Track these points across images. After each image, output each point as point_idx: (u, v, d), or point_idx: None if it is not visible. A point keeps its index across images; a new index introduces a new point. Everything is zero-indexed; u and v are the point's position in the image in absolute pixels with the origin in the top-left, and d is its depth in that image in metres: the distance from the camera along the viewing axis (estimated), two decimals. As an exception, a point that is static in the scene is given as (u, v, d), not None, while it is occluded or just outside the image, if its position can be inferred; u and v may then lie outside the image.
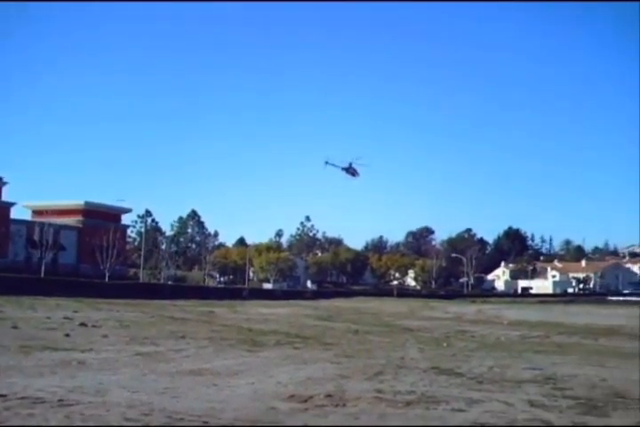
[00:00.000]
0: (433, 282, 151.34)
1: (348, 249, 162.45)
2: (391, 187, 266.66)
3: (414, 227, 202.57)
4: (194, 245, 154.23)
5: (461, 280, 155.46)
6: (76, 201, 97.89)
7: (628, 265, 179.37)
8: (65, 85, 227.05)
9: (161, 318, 38.38)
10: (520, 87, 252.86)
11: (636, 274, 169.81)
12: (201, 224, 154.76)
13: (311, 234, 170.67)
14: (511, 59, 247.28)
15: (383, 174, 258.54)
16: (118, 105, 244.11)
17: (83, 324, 29.18)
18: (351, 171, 63.71)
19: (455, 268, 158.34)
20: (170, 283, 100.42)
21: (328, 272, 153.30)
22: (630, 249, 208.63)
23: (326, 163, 63.13)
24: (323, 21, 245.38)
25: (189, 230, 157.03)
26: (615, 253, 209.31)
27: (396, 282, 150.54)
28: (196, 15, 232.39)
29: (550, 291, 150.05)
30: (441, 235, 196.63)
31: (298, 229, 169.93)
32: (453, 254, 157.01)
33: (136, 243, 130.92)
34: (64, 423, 9.91)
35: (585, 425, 10.92)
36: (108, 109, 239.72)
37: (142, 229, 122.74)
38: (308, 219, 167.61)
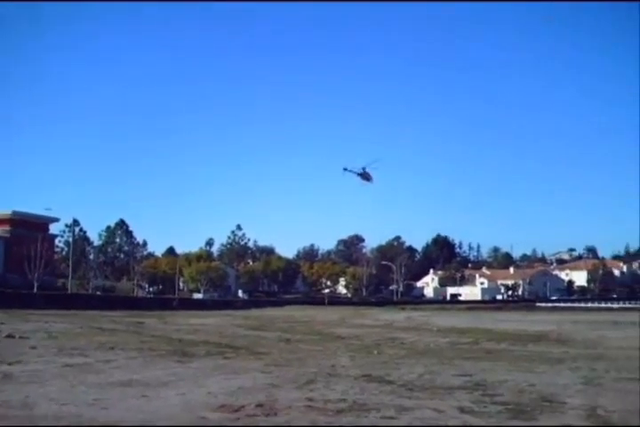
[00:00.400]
0: (364, 290, 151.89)
1: (280, 258, 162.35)
2: (322, 195, 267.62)
3: (345, 235, 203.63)
4: (122, 255, 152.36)
5: (391, 287, 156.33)
6: (4, 210, 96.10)
7: (556, 272, 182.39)
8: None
9: (90, 328, 37.88)
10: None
11: (563, 281, 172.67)
12: (129, 234, 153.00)
13: (242, 243, 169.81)
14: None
15: (313, 183, 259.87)
16: (43, 113, 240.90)
17: (10, 335, 28.67)
18: (365, 176, 64.00)
19: (385, 275, 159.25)
20: (98, 293, 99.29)
21: (259, 281, 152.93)
22: (557, 256, 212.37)
23: (345, 169, 63.45)
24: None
25: (117, 240, 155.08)
26: (543, 260, 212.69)
27: (327, 290, 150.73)
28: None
29: (479, 298, 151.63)
30: (371, 243, 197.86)
31: (228, 237, 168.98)
32: (383, 262, 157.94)
33: (64, 253, 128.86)
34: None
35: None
36: (32, 117, 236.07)
37: (70, 239, 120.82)
38: (239, 227, 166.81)
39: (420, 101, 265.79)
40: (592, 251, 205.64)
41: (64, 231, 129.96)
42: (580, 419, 12.07)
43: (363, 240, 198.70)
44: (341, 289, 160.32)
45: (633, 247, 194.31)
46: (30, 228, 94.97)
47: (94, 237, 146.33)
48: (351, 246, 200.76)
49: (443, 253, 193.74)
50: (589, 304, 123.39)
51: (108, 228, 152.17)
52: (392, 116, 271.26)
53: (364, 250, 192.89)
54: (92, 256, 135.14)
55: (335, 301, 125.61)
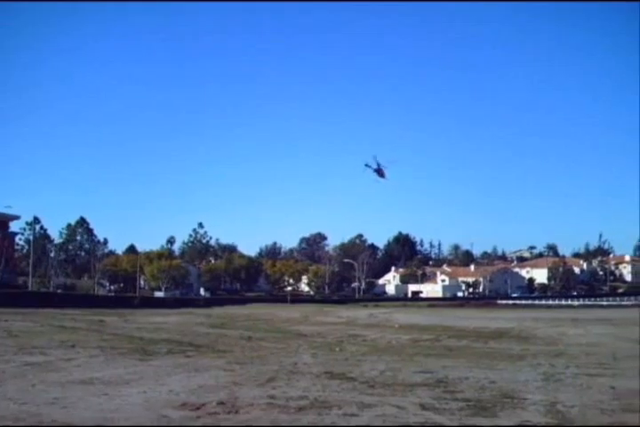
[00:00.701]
0: (326, 287, 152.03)
1: (242, 256, 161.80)
2: (284, 193, 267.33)
3: (307, 233, 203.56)
4: (83, 253, 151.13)
5: (353, 285, 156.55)
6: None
7: (517, 269, 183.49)
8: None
9: (51, 327, 37.63)
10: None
11: (524, 278, 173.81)
12: (90, 231, 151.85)
13: (204, 241, 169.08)
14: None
15: (276, 181, 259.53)
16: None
17: (-32, 335, 28.40)
18: (381, 172, 63.87)
19: (347, 273, 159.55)
20: (59, 291, 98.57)
21: (222, 279, 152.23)
22: (518, 254, 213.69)
23: (366, 165, 63.31)
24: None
25: (78, 238, 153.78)
26: (503, 257, 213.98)
27: (289, 288, 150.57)
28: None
29: (440, 295, 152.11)
30: (333, 241, 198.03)
31: (190, 236, 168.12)
32: (345, 260, 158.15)
33: (24, 251, 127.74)
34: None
35: (474, 426, 11.16)
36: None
37: (31, 237, 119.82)
38: (200, 226, 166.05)
39: (390, 94, 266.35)
40: (552, 249, 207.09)
41: (24, 229, 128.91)
42: (539, 415, 12.20)
43: (325, 238, 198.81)
44: (304, 287, 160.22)
45: (593, 245, 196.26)
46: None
47: (55, 234, 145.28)
48: (314, 244, 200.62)
49: (404, 251, 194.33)
50: (550, 302, 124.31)
51: (69, 225, 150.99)
52: (350, 112, 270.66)
53: (326, 248, 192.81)
54: (52, 254, 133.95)
55: (298, 298, 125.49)
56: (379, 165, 63.04)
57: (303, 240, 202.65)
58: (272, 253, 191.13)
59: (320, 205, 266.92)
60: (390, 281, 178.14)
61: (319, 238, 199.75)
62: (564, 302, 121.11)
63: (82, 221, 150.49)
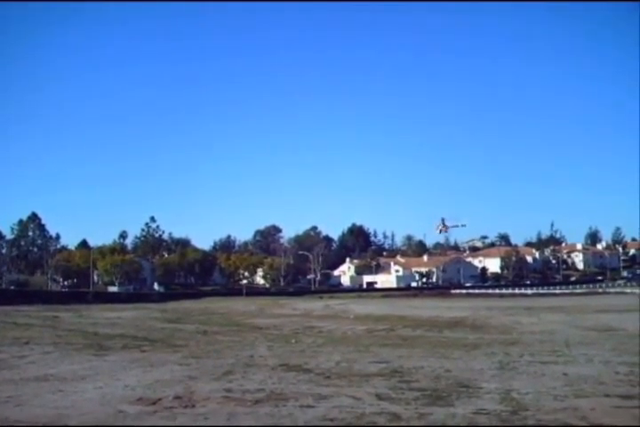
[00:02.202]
0: (281, 280, 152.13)
1: (196, 249, 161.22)
2: (237, 185, 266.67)
3: (262, 225, 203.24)
4: (35, 249, 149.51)
5: (309, 277, 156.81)
6: None
7: (469, 259, 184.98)
8: None
9: (3, 323, 37.27)
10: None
11: (476, 268, 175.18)
12: (42, 227, 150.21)
13: (157, 235, 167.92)
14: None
15: (228, 172, 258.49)
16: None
17: None
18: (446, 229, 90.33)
19: (302, 265, 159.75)
20: (12, 288, 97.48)
21: (176, 273, 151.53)
22: (470, 244, 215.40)
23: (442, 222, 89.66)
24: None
25: (30, 233, 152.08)
26: (456, 247, 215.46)
27: (245, 281, 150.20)
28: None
29: (394, 285, 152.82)
30: (288, 233, 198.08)
31: (142, 230, 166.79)
32: (300, 252, 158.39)
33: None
34: None
35: (430, 415, 11.26)
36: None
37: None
38: (153, 220, 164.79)
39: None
40: (504, 238, 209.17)
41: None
42: (495, 402, 12.34)
43: (280, 231, 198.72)
44: (259, 280, 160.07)
45: (545, 234, 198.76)
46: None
47: (6, 230, 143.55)
48: (268, 237, 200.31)
49: (358, 242, 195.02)
50: (503, 291, 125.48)
51: (21, 221, 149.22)
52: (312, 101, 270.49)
53: (281, 240, 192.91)
54: (4, 250, 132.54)
55: (253, 291, 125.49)
56: (446, 223, 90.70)
57: (257, 233, 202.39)
58: (226, 246, 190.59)
59: (274, 198, 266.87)
60: (345, 272, 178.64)
61: (274, 231, 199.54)
62: (517, 291, 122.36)
63: (33, 217, 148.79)
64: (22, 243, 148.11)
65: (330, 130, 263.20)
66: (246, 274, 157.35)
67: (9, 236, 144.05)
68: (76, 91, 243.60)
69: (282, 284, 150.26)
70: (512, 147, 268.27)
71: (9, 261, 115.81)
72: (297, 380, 15.34)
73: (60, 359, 19.93)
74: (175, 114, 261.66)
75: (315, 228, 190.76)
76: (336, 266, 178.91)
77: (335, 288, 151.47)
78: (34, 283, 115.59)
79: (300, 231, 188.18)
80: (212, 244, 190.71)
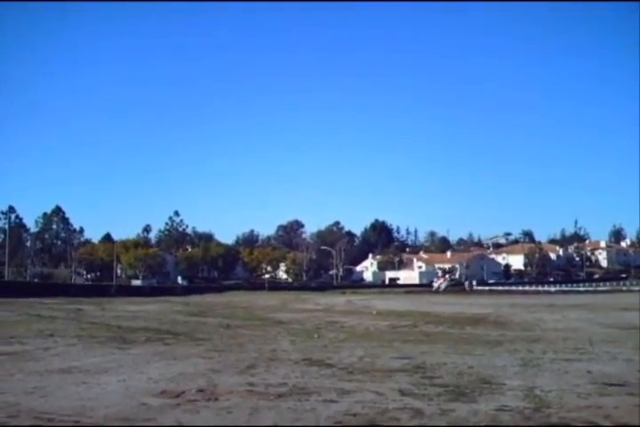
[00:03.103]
0: (304, 274, 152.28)
1: (219, 244, 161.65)
2: (261, 181, 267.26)
3: (284, 220, 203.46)
4: (59, 242, 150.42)
5: (331, 272, 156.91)
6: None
7: (493, 256, 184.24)
8: None
9: (28, 316, 37.49)
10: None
11: (500, 264, 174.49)
12: (66, 220, 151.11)
13: (180, 229, 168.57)
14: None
15: (252, 169, 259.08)
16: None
17: (-56, 325, 28.24)
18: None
19: (325, 260, 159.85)
20: (36, 280, 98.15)
21: (199, 267, 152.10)
22: (494, 240, 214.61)
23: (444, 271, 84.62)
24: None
25: (54, 227, 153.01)
26: (479, 244, 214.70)
27: (267, 275, 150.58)
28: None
29: (417, 281, 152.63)
30: (311, 228, 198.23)
31: (166, 224, 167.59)
32: (323, 247, 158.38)
33: (0, 240, 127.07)
34: None
35: (453, 411, 11.23)
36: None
37: (6, 226, 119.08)
38: (176, 213, 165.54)
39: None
40: (528, 235, 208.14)
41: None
42: (518, 399, 12.27)
43: (302, 226, 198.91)
44: (282, 274, 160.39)
45: (569, 231, 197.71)
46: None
47: (31, 224, 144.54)
48: (291, 232, 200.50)
49: (381, 238, 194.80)
50: (526, 288, 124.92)
51: (45, 215, 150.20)
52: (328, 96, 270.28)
53: (303, 235, 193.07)
54: (28, 243, 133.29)
55: (276, 286, 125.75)
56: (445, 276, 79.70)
57: (280, 228, 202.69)
58: (249, 240, 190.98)
59: (297, 193, 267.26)
60: (368, 268, 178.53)
61: (296, 226, 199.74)
62: (540, 288, 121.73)
63: (57, 210, 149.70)
64: (46, 236, 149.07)
65: (353, 126, 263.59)
66: (269, 269, 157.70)
67: (33, 229, 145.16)
68: (98, 80, 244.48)
69: (304, 279, 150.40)
70: (535, 142, 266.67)
71: (33, 254, 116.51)
72: (319, 374, 15.34)
73: (84, 352, 20.02)
74: (204, 111, 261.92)
75: (337, 223, 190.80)
76: (358, 262, 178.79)
77: (357, 284, 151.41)
78: (57, 276, 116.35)
79: (323, 227, 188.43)
80: (235, 238, 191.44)
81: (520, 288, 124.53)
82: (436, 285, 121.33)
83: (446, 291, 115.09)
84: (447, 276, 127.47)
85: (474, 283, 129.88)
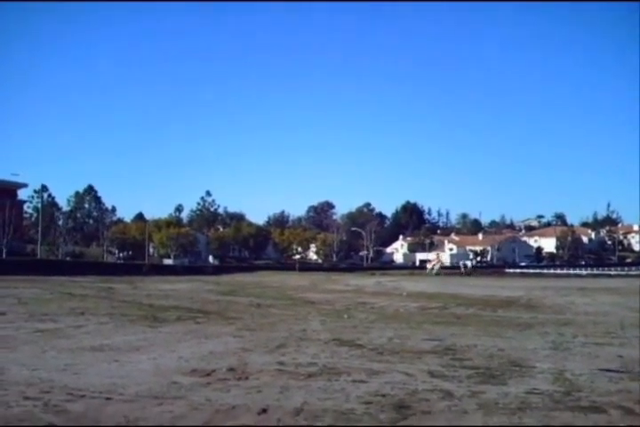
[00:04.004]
0: (334, 255, 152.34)
1: (250, 224, 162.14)
2: (292, 161, 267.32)
3: (315, 201, 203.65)
4: (91, 221, 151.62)
5: (361, 253, 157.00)
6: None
7: (525, 238, 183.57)
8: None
9: (60, 294, 37.77)
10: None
11: (532, 247, 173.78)
12: (98, 199, 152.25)
13: (212, 209, 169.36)
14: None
15: (283, 148, 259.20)
16: (8, 75, 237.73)
17: (-22, 302, 28.56)
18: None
19: (355, 241, 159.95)
20: (68, 259, 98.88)
21: (230, 247, 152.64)
22: (526, 223, 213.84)
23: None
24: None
25: (86, 206, 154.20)
26: (511, 226, 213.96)
27: (298, 256, 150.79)
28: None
29: (448, 263, 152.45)
30: (341, 209, 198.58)
31: (198, 203, 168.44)
32: (353, 228, 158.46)
33: (33, 219, 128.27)
34: (-40, 404, 9.70)
35: (483, 393, 11.21)
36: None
37: (39, 205, 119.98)
38: (208, 193, 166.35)
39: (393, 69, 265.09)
40: (561, 218, 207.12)
41: (32, 197, 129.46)
42: (548, 383, 12.23)
43: (333, 207, 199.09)
44: (312, 255, 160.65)
45: (601, 214, 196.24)
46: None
47: (63, 202, 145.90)
48: (321, 213, 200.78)
49: (412, 220, 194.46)
50: (558, 271, 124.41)
51: (77, 193, 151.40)
52: (362, 82, 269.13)
53: (334, 216, 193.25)
54: (60, 222, 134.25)
55: (306, 266, 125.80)
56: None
57: (311, 209, 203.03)
58: (280, 221, 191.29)
59: (328, 174, 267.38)
60: (398, 250, 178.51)
61: (327, 207, 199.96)
62: (572, 272, 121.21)
63: (90, 189, 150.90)
64: (78, 215, 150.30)
65: (383, 109, 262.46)
66: (299, 249, 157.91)
67: (65, 208, 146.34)
68: (128, 57, 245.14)
69: (334, 260, 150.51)
70: (568, 124, 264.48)
71: (65, 232, 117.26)
72: (349, 355, 15.36)
73: (115, 330, 20.17)
74: (234, 91, 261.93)
75: (368, 204, 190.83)
76: (389, 243, 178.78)
77: (387, 265, 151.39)
78: (89, 255, 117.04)
79: (354, 208, 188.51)
80: (266, 219, 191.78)
81: (552, 271, 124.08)
82: (429, 266, 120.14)
83: (466, 273, 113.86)
84: (438, 257, 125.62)
85: (468, 264, 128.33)
